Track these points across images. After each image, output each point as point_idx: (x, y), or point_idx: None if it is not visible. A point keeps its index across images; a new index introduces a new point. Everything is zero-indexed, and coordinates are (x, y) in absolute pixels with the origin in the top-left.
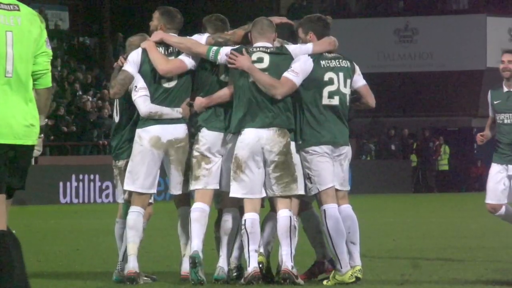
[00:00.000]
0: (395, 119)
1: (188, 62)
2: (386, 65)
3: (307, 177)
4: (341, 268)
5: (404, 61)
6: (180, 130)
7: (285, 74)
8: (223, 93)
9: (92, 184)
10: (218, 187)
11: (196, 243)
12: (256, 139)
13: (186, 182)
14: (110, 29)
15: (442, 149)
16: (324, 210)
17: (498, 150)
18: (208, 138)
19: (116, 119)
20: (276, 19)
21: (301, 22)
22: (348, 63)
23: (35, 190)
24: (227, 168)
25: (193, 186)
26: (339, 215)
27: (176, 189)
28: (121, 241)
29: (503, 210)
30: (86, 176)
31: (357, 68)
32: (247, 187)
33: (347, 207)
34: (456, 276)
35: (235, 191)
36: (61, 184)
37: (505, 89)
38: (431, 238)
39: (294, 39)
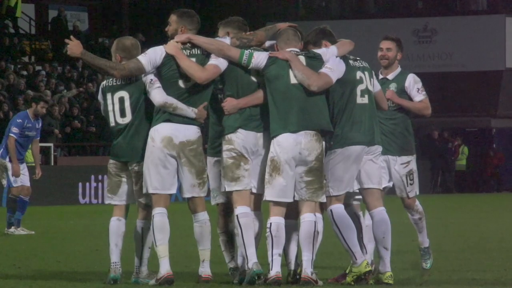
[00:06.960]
0: (413, 120)
1: (222, 66)
2: (405, 65)
3: (324, 178)
4: (356, 259)
5: (423, 61)
6: (192, 132)
7: (321, 70)
8: (261, 95)
9: None
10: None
11: (251, 252)
12: (294, 143)
13: (200, 185)
14: (129, 30)
15: (461, 149)
16: (331, 210)
17: None
18: (245, 138)
19: (122, 120)
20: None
21: (309, 38)
22: (367, 64)
23: (54, 190)
24: (258, 170)
25: (232, 187)
26: (345, 212)
27: (189, 192)
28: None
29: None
30: (105, 177)
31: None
32: (281, 190)
33: (382, 211)
34: (475, 277)
35: (270, 195)
36: (80, 184)
37: (380, 76)
38: (450, 239)
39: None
